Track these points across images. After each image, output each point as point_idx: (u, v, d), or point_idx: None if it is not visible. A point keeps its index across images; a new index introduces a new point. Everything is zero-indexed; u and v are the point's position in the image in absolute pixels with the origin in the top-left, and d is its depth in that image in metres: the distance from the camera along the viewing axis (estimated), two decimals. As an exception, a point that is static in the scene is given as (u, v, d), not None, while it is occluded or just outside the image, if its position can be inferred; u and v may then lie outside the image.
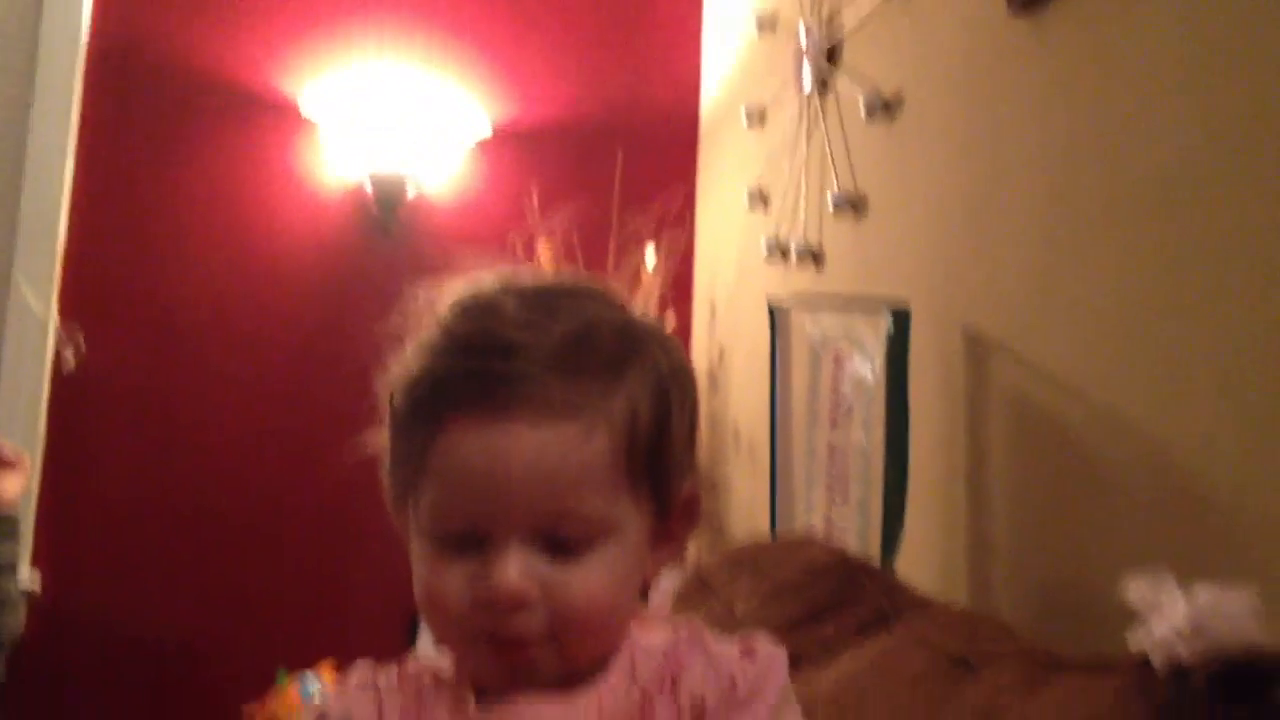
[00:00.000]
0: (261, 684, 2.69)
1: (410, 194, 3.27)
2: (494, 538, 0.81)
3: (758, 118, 2.92)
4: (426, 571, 0.83)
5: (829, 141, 2.55)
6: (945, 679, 1.37)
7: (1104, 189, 1.71)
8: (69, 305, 3.10)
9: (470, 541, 0.82)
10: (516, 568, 0.80)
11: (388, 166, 3.22)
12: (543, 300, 0.84)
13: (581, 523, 0.82)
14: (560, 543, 0.82)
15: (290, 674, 2.65)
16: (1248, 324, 1.43)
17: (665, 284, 3.11)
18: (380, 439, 0.88)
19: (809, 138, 2.65)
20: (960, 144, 2.11)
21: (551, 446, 0.80)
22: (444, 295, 0.89)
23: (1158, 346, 1.58)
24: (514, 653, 0.82)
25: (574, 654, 0.84)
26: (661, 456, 0.85)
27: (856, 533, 2.03)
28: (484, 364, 0.80)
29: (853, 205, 2.45)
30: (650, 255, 3.12)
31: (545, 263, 3.04)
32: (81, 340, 3.03)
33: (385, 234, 3.27)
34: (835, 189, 2.48)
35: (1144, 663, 1.14)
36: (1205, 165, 1.51)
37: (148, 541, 3.14)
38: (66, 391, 3.07)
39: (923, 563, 2.06)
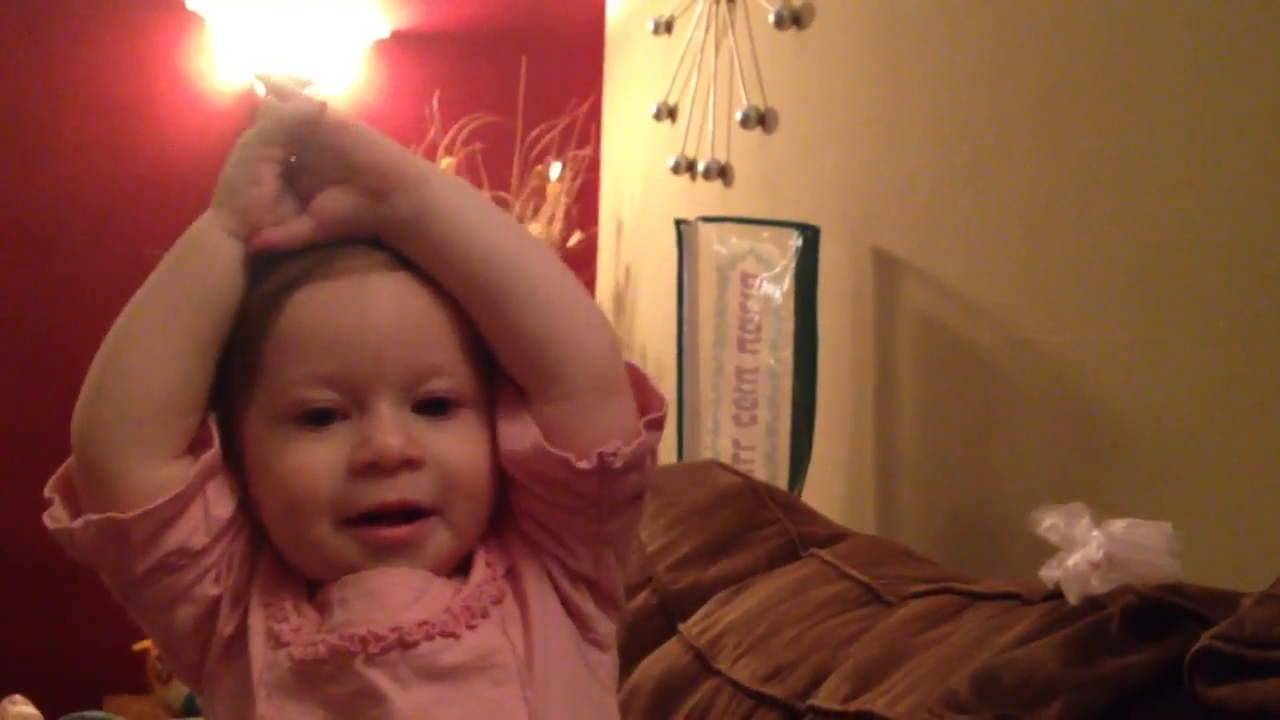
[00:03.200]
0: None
1: (305, 100, 3.15)
2: (365, 401, 0.77)
3: (664, 26, 2.85)
4: (286, 459, 0.77)
5: (737, 53, 2.49)
6: (857, 609, 1.35)
7: (1009, 104, 1.68)
8: (-60, 213, 2.96)
9: (332, 416, 0.78)
10: (397, 427, 0.77)
11: (281, 68, 3.10)
12: None
13: (452, 379, 0.79)
14: (430, 403, 0.78)
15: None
16: (1153, 237, 1.42)
17: (570, 200, 3.05)
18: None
19: (717, 48, 2.59)
20: (869, 57, 2.07)
21: (413, 290, 0.78)
22: None
23: (1063, 264, 1.57)
24: (398, 532, 0.78)
25: (461, 526, 0.79)
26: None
27: (764, 455, 2.01)
28: (317, 246, 0.79)
29: (761, 120, 2.41)
30: (555, 170, 3.05)
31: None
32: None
33: (279, 141, 3.16)
34: (744, 103, 2.43)
35: (1057, 595, 1.13)
36: (1107, 76, 1.50)
37: (30, 461, 3.03)
38: (-58, 303, 2.95)
39: (830, 488, 2.05)
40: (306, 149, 0.80)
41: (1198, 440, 1.35)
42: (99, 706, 2.58)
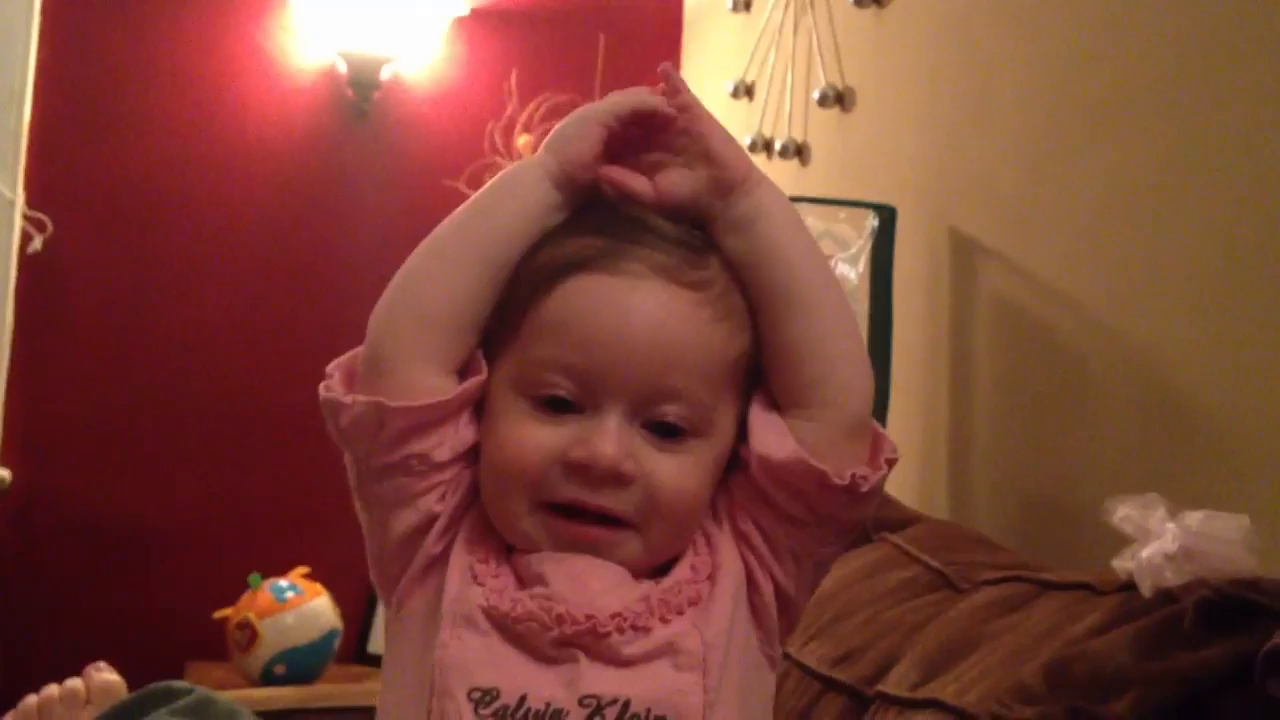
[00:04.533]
0: (234, 588, 2.67)
1: (385, 76, 3.17)
2: (598, 405, 0.80)
3: (743, 3, 2.83)
4: (511, 428, 0.81)
5: (816, 31, 2.47)
6: (928, 595, 1.35)
7: (1099, 89, 1.65)
8: (35, 186, 3.01)
9: (567, 406, 0.81)
10: (620, 439, 0.80)
11: (363, 45, 3.13)
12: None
13: (687, 408, 0.81)
14: (661, 427, 0.81)
15: (263, 579, 2.62)
16: (1238, 228, 1.40)
17: (646, 177, 3.04)
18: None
19: (796, 27, 2.57)
20: (950, 38, 2.05)
21: (675, 311, 0.80)
22: None
23: (1147, 253, 1.54)
24: (587, 531, 0.81)
25: (655, 545, 0.82)
26: (751, 374, 0.85)
27: (836, 438, 2.00)
28: (613, 229, 0.81)
29: (839, 99, 2.39)
30: (631, 147, 3.05)
31: (525, 154, 2.96)
32: (49, 222, 2.95)
33: (360, 117, 3.18)
34: (822, 82, 2.41)
35: (1130, 586, 1.12)
36: (1202, 68, 1.47)
37: (118, 433, 3.09)
38: (34, 274, 3.00)
39: (903, 472, 2.03)
40: (665, 132, 0.84)
41: (1278, 433, 1.33)
42: (180, 672, 2.63)
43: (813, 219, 2.15)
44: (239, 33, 3.16)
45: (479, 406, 0.85)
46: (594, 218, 0.84)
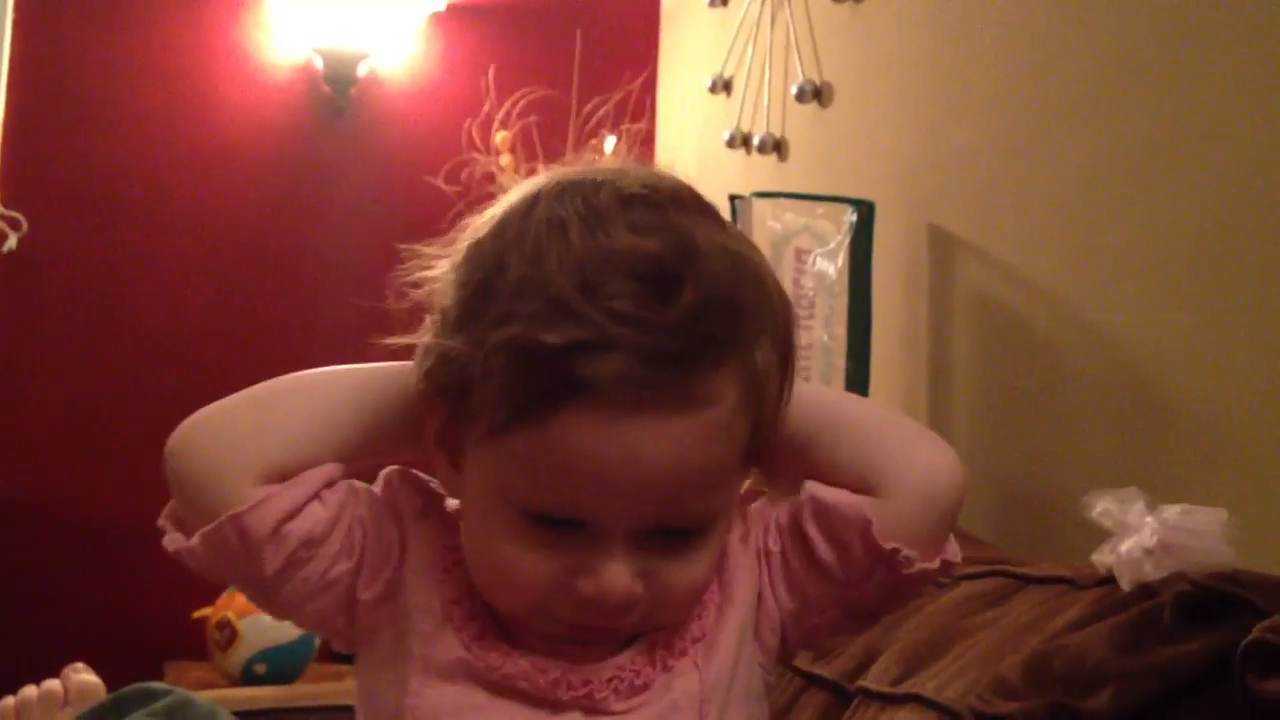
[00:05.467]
0: (212, 588, 2.66)
1: (362, 72, 3.16)
2: (605, 529, 0.71)
3: (721, -1, 2.84)
4: (508, 546, 0.72)
5: (793, 26, 2.47)
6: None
7: (1075, 83, 1.66)
8: (9, 185, 2.99)
9: (568, 525, 0.71)
10: (629, 570, 0.71)
11: (339, 41, 3.11)
12: (673, 242, 0.70)
13: (699, 516, 0.73)
14: (672, 533, 0.73)
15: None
16: (1212, 218, 1.40)
17: (624, 173, 3.03)
18: (444, 342, 0.73)
19: (773, 21, 2.57)
20: (926, 32, 2.05)
21: (689, 444, 0.69)
22: (544, 195, 0.74)
23: (1121, 244, 1.55)
24: (599, 634, 0.75)
25: (657, 627, 0.77)
26: (774, 419, 0.76)
27: (816, 433, 2.00)
28: (621, 343, 0.67)
29: (817, 94, 2.39)
30: (609, 144, 3.05)
31: (503, 151, 2.95)
32: (23, 220, 2.93)
33: (336, 113, 3.17)
34: (800, 77, 2.41)
35: (1109, 580, 1.12)
36: (1167, 54, 1.47)
37: (96, 432, 3.07)
38: (8, 273, 2.98)
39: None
40: None
41: (1255, 425, 1.33)
42: (159, 673, 2.62)
43: (791, 214, 2.15)
44: (215, 29, 3.14)
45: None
46: (569, 267, 0.69)
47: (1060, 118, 1.68)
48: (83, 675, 1.33)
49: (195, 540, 0.76)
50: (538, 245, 0.70)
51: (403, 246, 0.80)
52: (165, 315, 3.09)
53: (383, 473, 0.81)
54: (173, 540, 0.78)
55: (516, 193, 0.76)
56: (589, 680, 0.75)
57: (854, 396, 0.86)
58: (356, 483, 0.80)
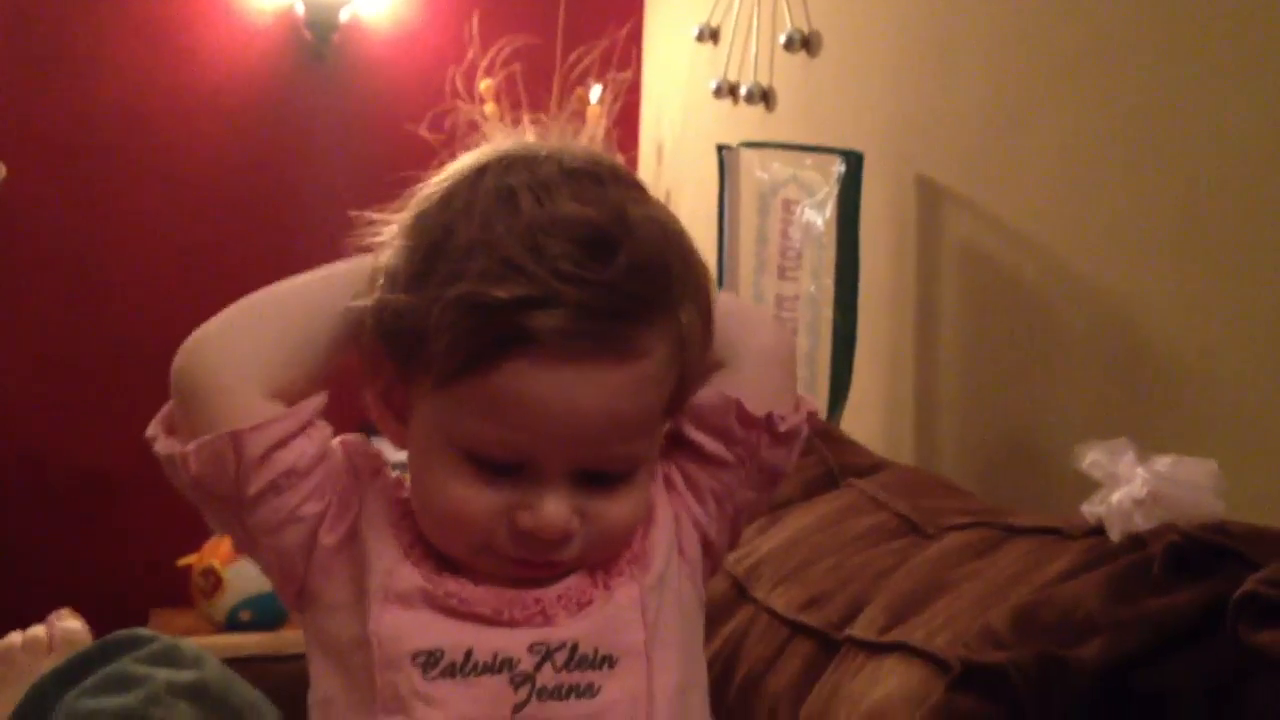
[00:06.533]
0: (197, 535, 2.65)
1: (344, 18, 3.13)
2: (542, 471, 0.78)
3: (708, -54, 2.80)
4: (450, 481, 0.79)
5: (783, -25, 2.45)
6: (895, 540, 1.35)
7: (1066, 35, 1.65)
8: (-12, 128, 2.96)
9: (508, 469, 0.79)
10: (566, 505, 0.79)
11: (322, -10, 3.08)
12: (611, 211, 0.78)
13: (628, 460, 0.81)
14: (602, 475, 0.80)
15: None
16: (1202, 174, 1.40)
17: (610, 124, 3.02)
18: (395, 298, 0.79)
19: (762, -30, 2.55)
20: (920, -18, 2.03)
21: (623, 393, 0.77)
22: (492, 168, 0.81)
23: (1111, 198, 1.54)
24: (539, 571, 0.82)
25: (593, 560, 0.84)
26: (697, 374, 0.85)
27: (803, 384, 2.00)
28: (564, 299, 0.74)
29: (805, 43, 2.37)
30: (595, 93, 3.02)
31: (487, 100, 2.92)
32: (2, 168, 2.90)
33: (318, 60, 3.14)
34: (788, 25, 2.39)
35: (1099, 531, 1.12)
36: (1167, 15, 1.46)
37: (78, 379, 3.06)
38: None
39: (869, 418, 2.04)
40: None
41: (1244, 377, 1.33)
42: (144, 620, 2.62)
43: (779, 164, 2.14)
44: (195, -29, 3.10)
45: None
46: (518, 230, 0.76)
47: (1052, 69, 1.67)
48: (68, 622, 1.32)
49: (191, 448, 0.81)
50: (486, 211, 0.77)
51: (352, 213, 0.86)
52: (145, 262, 3.07)
53: (337, 439, 0.86)
54: (165, 445, 0.83)
55: (461, 165, 0.83)
56: (539, 599, 0.81)
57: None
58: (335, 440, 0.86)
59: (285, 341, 0.83)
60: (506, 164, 0.81)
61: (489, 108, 2.91)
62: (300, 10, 3.10)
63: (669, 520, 0.87)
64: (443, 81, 3.00)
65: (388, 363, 0.82)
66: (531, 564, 0.81)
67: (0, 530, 2.96)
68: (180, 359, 0.83)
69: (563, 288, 0.74)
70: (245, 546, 0.86)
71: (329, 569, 0.84)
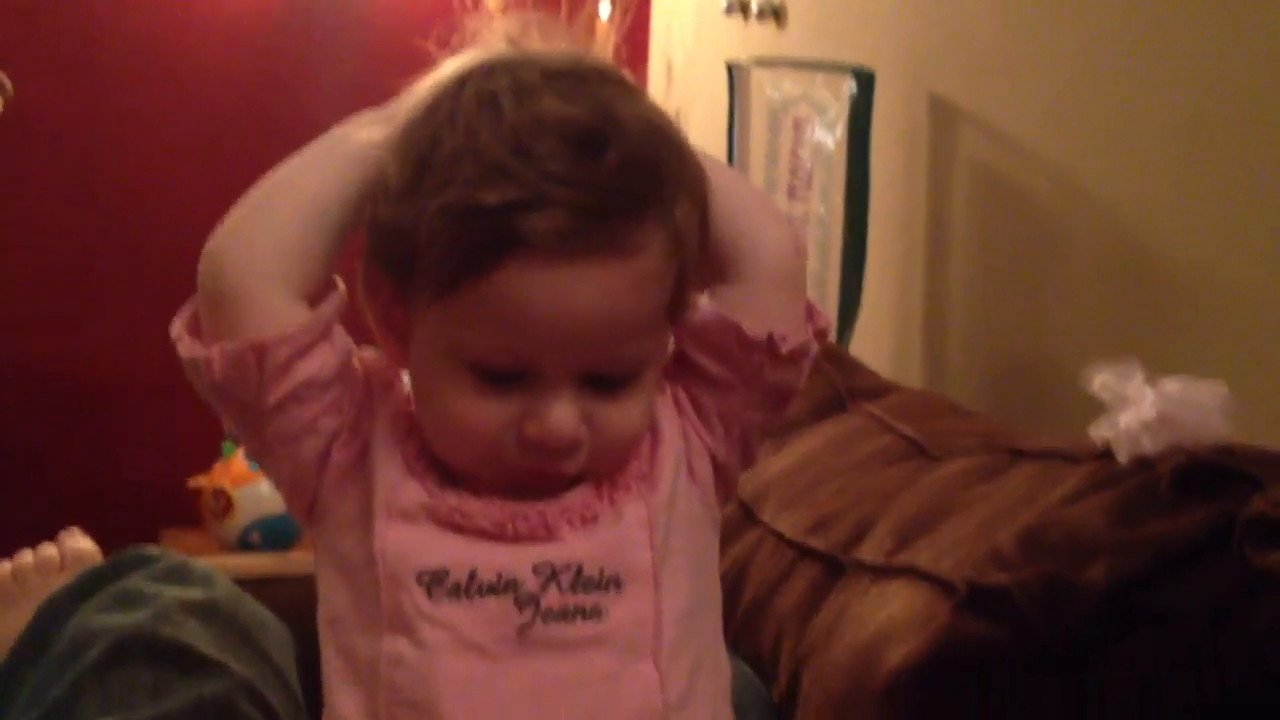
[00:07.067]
0: (207, 456, 2.66)
1: (353, -66, 3.09)
2: (546, 375, 0.78)
3: None
4: (455, 397, 0.79)
5: (795, -112, 2.40)
6: (903, 463, 1.35)
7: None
8: (-6, 48, 2.94)
9: (511, 377, 0.78)
10: (573, 412, 0.78)
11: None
12: (597, 109, 0.76)
13: (632, 362, 0.80)
14: (607, 379, 0.79)
15: (237, 446, 2.61)
16: (1213, 89, 1.38)
17: (620, 39, 2.98)
18: (387, 211, 0.79)
19: (774, -117, 2.50)
20: (935, -105, 1.99)
21: (621, 291, 0.76)
22: (474, 75, 0.80)
23: (1122, 115, 1.52)
24: (549, 479, 0.81)
25: (603, 473, 0.83)
26: (693, 274, 0.82)
27: (812, 305, 1.99)
28: (555, 200, 0.73)
29: (818, -41, 2.33)
30: (604, 7, 2.98)
31: (493, 8, 2.89)
32: (9, 83, 2.88)
33: (331, -27, 3.11)
34: (800, -59, 2.36)
35: (1107, 454, 1.12)
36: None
37: (87, 296, 3.06)
38: (-4, 133, 2.94)
39: (878, 339, 2.03)
40: None
41: (1257, 298, 1.32)
42: (155, 539, 2.63)
43: (789, 83, 2.11)
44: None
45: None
46: (502, 133, 0.75)
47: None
48: (78, 541, 1.33)
49: (215, 352, 0.80)
50: (469, 118, 0.76)
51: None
52: (153, 178, 3.06)
53: (356, 354, 0.85)
54: (189, 348, 0.81)
55: (445, 73, 0.82)
56: (543, 512, 0.80)
57: (718, 163, 0.90)
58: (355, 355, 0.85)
59: (302, 233, 0.81)
60: (488, 69, 0.79)
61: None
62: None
63: (677, 438, 0.86)
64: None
65: (385, 281, 0.81)
66: (541, 473, 0.80)
67: (10, 448, 2.98)
68: (203, 263, 0.82)
69: (552, 189, 0.73)
70: (261, 455, 0.85)
71: (341, 485, 0.83)
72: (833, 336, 1.91)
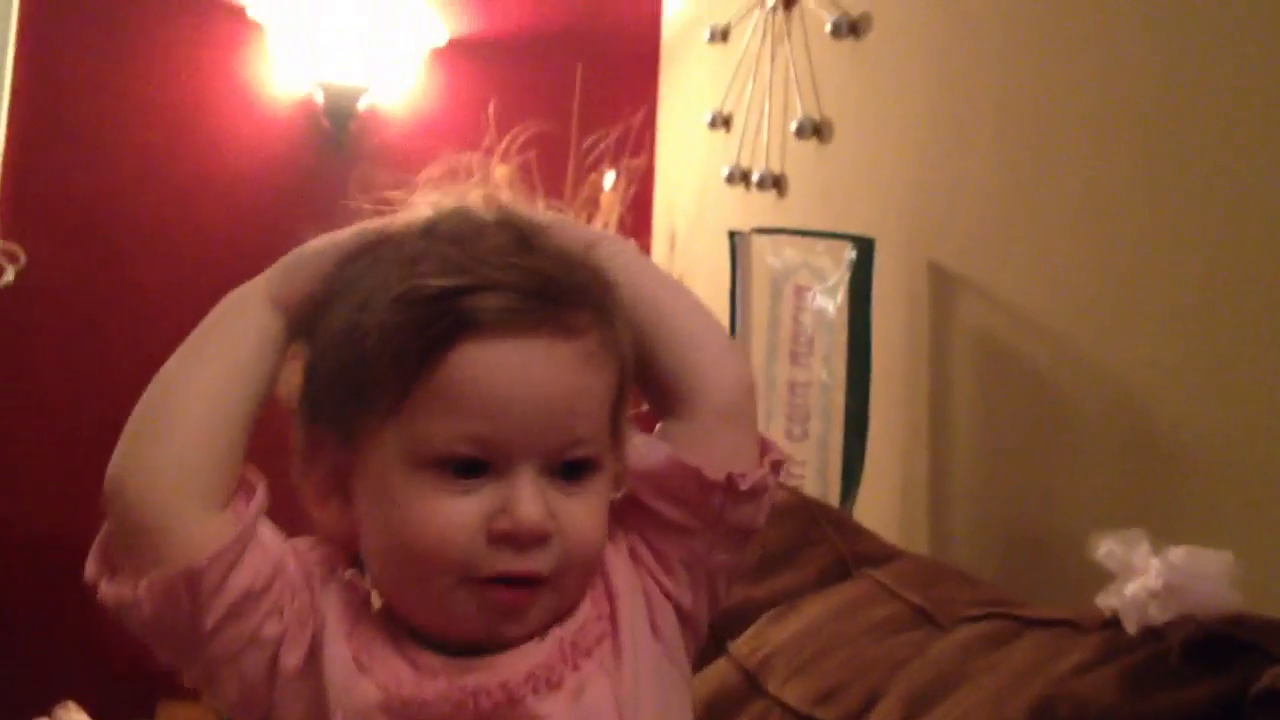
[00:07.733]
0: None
1: (362, 106, 3.16)
2: (510, 464, 0.77)
3: (720, 34, 2.83)
4: (423, 505, 0.76)
5: (793, 62, 2.47)
6: (910, 631, 1.33)
7: (1075, 119, 1.66)
8: (8, 216, 2.99)
9: (477, 469, 0.77)
10: (540, 500, 0.77)
11: (339, 76, 3.11)
12: (532, 229, 0.81)
13: (588, 448, 0.79)
14: (567, 470, 0.78)
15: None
16: (1216, 254, 1.40)
17: (624, 209, 3.03)
18: (320, 354, 0.80)
19: (773, 57, 2.57)
20: (926, 69, 2.05)
21: (569, 366, 0.77)
22: (401, 215, 0.84)
23: (1124, 280, 1.54)
24: (518, 596, 0.78)
25: (567, 595, 0.80)
26: (625, 404, 0.82)
27: (816, 471, 1.99)
28: (499, 283, 0.75)
29: (816, 130, 2.39)
30: (609, 179, 3.04)
31: (503, 185, 2.94)
32: (21, 253, 2.93)
33: (337, 148, 3.17)
34: (799, 113, 2.41)
35: (1114, 624, 1.10)
36: (1167, 86, 1.47)
37: (90, 462, 3.04)
38: (6, 304, 2.97)
39: (883, 505, 2.03)
40: None
41: (1262, 464, 1.32)
42: (151, 713, 2.60)
43: (790, 250, 2.14)
44: (216, 61, 3.15)
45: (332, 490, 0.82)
46: (436, 245, 0.79)
47: (1061, 155, 1.68)
48: (73, 715, 1.31)
49: (142, 590, 0.76)
50: (412, 246, 0.79)
51: None
52: (164, 350, 3.08)
53: (288, 543, 0.82)
54: (112, 590, 0.78)
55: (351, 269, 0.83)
56: (505, 681, 0.77)
57: (677, 286, 0.91)
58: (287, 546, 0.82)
59: (208, 441, 0.79)
60: (428, 221, 0.83)
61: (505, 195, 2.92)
62: (319, 99, 3.14)
63: (636, 594, 0.83)
64: (459, 167, 3.02)
65: (327, 437, 0.80)
66: (511, 585, 0.77)
67: (8, 616, 2.94)
68: (108, 496, 0.79)
69: (496, 274, 0.75)
70: (204, 683, 0.81)
71: (293, 688, 0.79)
72: (836, 502, 1.90)
